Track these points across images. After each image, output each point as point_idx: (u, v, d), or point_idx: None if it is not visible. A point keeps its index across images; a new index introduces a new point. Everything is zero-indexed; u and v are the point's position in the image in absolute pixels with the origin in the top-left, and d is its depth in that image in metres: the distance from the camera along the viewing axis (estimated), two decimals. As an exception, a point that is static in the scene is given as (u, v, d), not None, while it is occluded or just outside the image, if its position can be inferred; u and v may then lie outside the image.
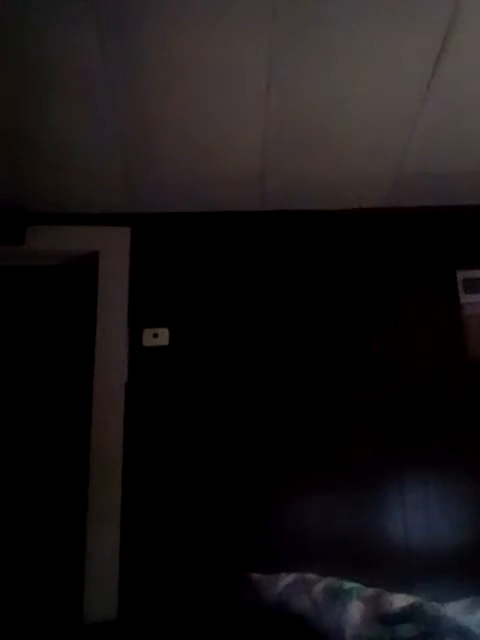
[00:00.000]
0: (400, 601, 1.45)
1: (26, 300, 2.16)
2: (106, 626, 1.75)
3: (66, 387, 2.06)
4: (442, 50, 1.50)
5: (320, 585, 1.53)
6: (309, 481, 1.91)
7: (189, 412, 1.98)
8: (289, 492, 1.90)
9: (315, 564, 1.69)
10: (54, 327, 2.13)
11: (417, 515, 1.89)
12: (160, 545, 1.86)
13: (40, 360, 2.10)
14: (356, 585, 1.53)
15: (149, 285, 2.12)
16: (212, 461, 1.94)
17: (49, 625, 1.82)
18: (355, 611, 1.43)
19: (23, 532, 1.92)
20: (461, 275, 2.14)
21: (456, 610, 1.48)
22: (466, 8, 1.38)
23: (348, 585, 1.52)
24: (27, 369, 2.09)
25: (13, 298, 2.16)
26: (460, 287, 2.13)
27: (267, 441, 1.96)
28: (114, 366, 2.00)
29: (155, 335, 2.06)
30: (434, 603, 1.45)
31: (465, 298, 2.12)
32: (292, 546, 1.84)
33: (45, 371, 2.08)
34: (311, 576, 1.59)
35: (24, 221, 2.11)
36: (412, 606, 1.42)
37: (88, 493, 1.87)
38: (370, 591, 1.50)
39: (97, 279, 2.10)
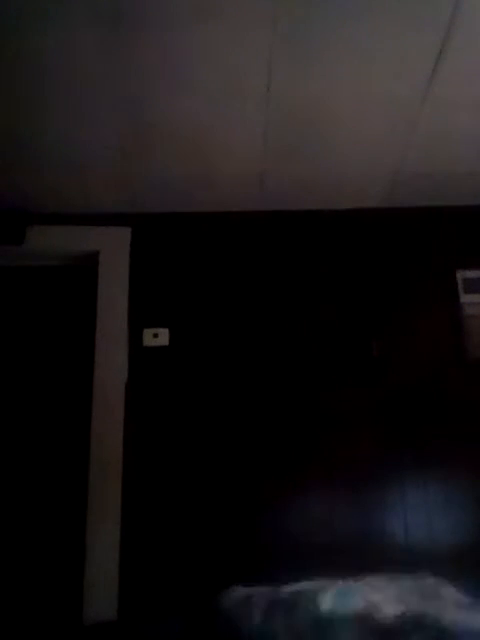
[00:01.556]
0: (388, 605, 1.40)
1: (26, 300, 2.16)
2: (106, 626, 1.75)
3: (66, 387, 2.06)
4: (442, 50, 1.50)
5: (300, 614, 1.44)
6: (309, 481, 1.91)
7: (189, 412, 1.98)
8: (289, 492, 1.90)
9: (315, 564, 1.69)
10: (54, 327, 2.13)
11: (417, 515, 1.89)
12: (160, 545, 1.86)
13: (40, 360, 2.10)
14: (334, 607, 1.41)
15: (149, 285, 2.12)
16: (212, 461, 1.94)
17: (49, 625, 1.82)
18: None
19: (23, 532, 1.92)
20: (461, 275, 2.15)
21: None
22: (466, 8, 1.38)
23: (326, 608, 1.41)
24: (27, 369, 2.09)
25: (13, 298, 2.16)
26: (460, 287, 2.13)
27: (267, 441, 1.96)
28: (114, 366, 2.00)
29: (155, 335, 2.06)
30: (429, 611, 1.39)
31: (465, 298, 2.12)
32: (292, 545, 1.84)
33: (45, 371, 2.08)
34: (286, 593, 1.48)
35: (24, 221, 2.11)
36: (415, 619, 1.36)
37: (88, 493, 1.87)
38: (353, 609, 1.41)
39: (97, 279, 2.10)
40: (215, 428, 1.97)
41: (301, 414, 1.99)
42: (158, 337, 2.06)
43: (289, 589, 1.50)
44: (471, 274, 2.14)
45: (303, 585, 1.50)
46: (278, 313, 2.11)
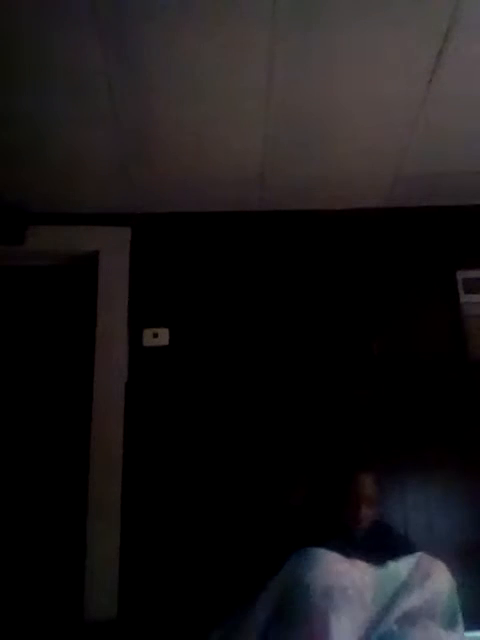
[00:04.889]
0: None
1: (26, 300, 2.16)
2: (106, 624, 1.75)
3: (66, 387, 2.06)
4: (442, 50, 1.50)
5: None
6: (308, 481, 1.91)
7: (189, 412, 1.98)
8: (289, 491, 1.90)
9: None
10: (54, 327, 2.13)
11: (417, 515, 1.89)
12: (160, 544, 1.86)
13: (40, 360, 2.10)
14: None
15: (149, 285, 2.12)
16: (212, 461, 1.94)
17: (50, 623, 1.82)
18: None
19: (24, 531, 1.92)
20: (461, 275, 2.15)
21: None
22: (466, 8, 1.38)
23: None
24: (27, 369, 2.09)
25: (13, 298, 2.16)
26: (460, 287, 2.13)
27: (267, 441, 1.96)
28: (114, 366, 2.00)
29: (155, 335, 2.06)
30: None
31: (465, 298, 2.12)
32: (291, 544, 1.84)
33: (45, 371, 2.08)
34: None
35: (24, 221, 2.11)
36: None
37: (88, 492, 1.88)
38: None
39: (97, 279, 2.10)
40: (215, 428, 1.97)
41: (301, 413, 1.99)
42: (158, 337, 2.06)
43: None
44: (471, 274, 2.14)
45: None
46: (278, 313, 2.11)
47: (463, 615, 1.50)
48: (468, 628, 1.54)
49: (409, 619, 1.39)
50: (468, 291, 2.12)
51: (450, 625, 1.45)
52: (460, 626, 1.47)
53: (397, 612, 1.40)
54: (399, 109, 1.71)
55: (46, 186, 2.01)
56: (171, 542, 1.87)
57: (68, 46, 1.44)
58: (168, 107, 1.66)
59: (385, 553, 1.54)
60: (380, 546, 1.60)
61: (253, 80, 1.58)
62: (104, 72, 1.53)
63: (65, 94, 1.59)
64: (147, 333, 2.06)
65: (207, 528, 1.87)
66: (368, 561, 1.49)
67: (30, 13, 1.35)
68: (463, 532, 1.87)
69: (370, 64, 1.54)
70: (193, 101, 1.64)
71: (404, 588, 1.44)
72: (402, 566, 1.49)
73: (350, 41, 1.47)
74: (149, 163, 1.91)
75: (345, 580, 1.40)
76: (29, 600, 1.85)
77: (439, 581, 1.48)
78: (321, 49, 1.49)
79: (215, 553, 1.85)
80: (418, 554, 1.54)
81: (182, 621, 1.77)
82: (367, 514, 1.65)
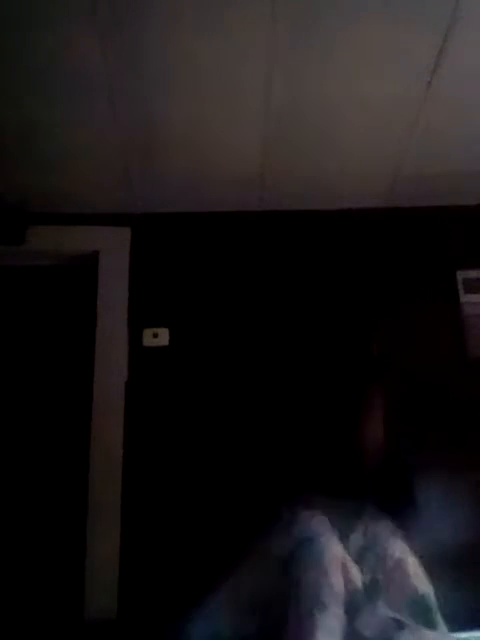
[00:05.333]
0: None
1: (26, 300, 2.16)
2: (106, 624, 1.75)
3: (66, 387, 2.06)
4: (442, 50, 1.50)
5: None
6: (308, 481, 1.91)
7: (189, 412, 1.99)
8: (289, 491, 1.90)
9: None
10: (54, 327, 2.13)
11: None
12: (160, 544, 1.86)
13: (40, 360, 2.10)
14: None
15: (149, 285, 2.12)
16: (212, 461, 1.94)
17: (50, 623, 1.82)
18: None
19: (24, 531, 1.92)
20: (461, 275, 2.15)
21: None
22: (466, 8, 1.39)
23: None
24: (27, 369, 2.09)
25: (13, 298, 2.16)
26: (460, 287, 2.14)
27: (267, 441, 1.96)
28: (114, 366, 2.00)
29: (155, 335, 2.06)
30: None
31: (465, 298, 2.12)
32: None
33: (45, 371, 2.08)
34: None
35: (24, 221, 2.11)
36: None
37: (88, 493, 1.88)
38: None
39: (97, 279, 2.10)
40: (215, 428, 1.97)
41: (301, 413, 1.99)
42: (158, 337, 2.06)
43: None
44: (471, 274, 2.14)
45: None
46: (278, 312, 2.11)
47: (462, 615, 1.50)
48: (468, 628, 1.54)
49: (394, 623, 1.39)
50: (468, 291, 2.13)
51: (433, 624, 1.44)
52: (441, 624, 1.45)
53: (381, 613, 1.39)
54: (399, 109, 1.71)
55: (46, 186, 2.01)
56: (171, 542, 1.87)
57: (68, 45, 1.44)
58: (168, 107, 1.67)
59: (388, 509, 1.54)
60: (383, 500, 1.60)
61: (253, 80, 1.58)
62: (104, 72, 1.53)
63: (65, 94, 1.59)
64: (147, 333, 2.06)
65: (207, 528, 1.87)
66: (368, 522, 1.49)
67: (30, 13, 1.35)
68: (463, 532, 1.87)
69: (371, 64, 1.55)
70: (193, 101, 1.64)
71: (385, 589, 1.44)
72: (380, 565, 1.48)
73: (350, 41, 1.47)
74: (149, 163, 1.91)
75: (337, 581, 1.39)
76: (29, 600, 1.85)
77: (418, 580, 1.47)
78: (321, 49, 1.49)
79: (215, 553, 1.85)
80: (395, 550, 1.52)
81: (182, 621, 1.76)
82: (374, 456, 1.64)
